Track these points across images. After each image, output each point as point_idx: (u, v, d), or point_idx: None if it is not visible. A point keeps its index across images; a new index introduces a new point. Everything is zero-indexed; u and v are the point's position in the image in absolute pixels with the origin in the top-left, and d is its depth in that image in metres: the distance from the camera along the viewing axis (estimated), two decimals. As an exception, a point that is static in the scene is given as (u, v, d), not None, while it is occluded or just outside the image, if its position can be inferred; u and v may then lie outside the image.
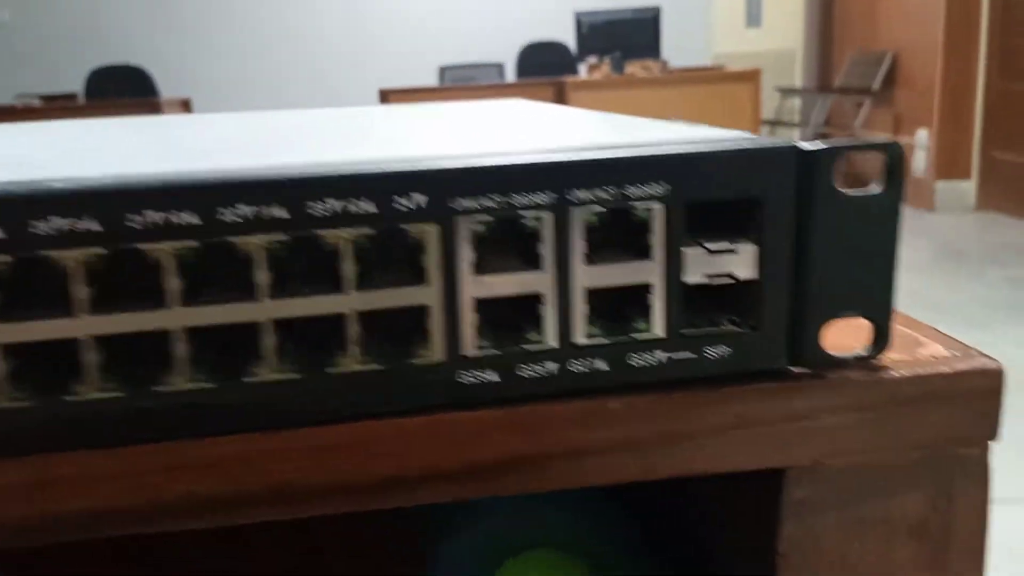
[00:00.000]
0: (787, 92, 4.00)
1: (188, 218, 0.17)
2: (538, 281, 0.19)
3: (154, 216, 0.17)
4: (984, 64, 3.01)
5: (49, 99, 3.77)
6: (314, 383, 0.18)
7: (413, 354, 0.19)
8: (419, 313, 0.19)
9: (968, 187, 3.06)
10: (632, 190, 0.19)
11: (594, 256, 0.19)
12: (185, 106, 3.89)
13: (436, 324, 0.19)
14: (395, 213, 0.18)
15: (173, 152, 0.24)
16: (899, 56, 3.34)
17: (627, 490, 0.30)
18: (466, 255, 0.18)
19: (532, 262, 0.19)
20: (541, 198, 0.19)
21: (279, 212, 0.17)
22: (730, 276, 0.20)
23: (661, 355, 0.20)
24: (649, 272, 0.19)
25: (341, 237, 0.18)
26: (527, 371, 0.19)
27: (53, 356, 0.17)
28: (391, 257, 0.19)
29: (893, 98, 3.37)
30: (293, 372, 0.18)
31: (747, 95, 3.34)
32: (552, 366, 0.19)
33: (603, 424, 0.20)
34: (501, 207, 0.18)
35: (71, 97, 3.88)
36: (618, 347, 0.20)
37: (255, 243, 0.17)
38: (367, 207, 0.18)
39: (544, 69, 4.06)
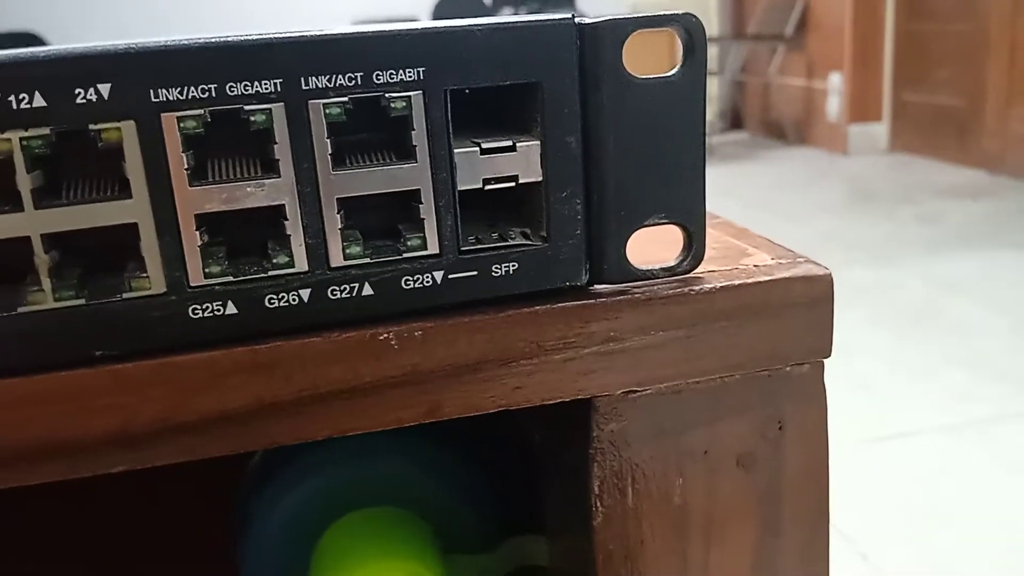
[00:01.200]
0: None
1: None
2: (276, 190, 0.16)
3: None
4: (892, 5, 3.04)
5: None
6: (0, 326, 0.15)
7: (126, 286, 0.16)
8: (128, 234, 0.15)
9: (880, 130, 3.11)
10: (381, 77, 0.16)
11: (347, 159, 0.16)
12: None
13: (149, 247, 0.15)
14: (76, 109, 0.15)
15: None
16: (810, 4, 3.36)
17: (461, 431, 0.27)
18: (178, 160, 0.15)
19: (268, 167, 0.16)
20: (267, 86, 0.15)
21: None
22: (512, 179, 0.17)
23: (438, 275, 0.17)
24: (414, 176, 0.16)
25: (9, 141, 0.14)
26: (273, 301, 0.16)
27: None
28: (90, 166, 0.15)
29: (806, 43, 3.39)
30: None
31: (663, 44, 3.33)
32: (304, 293, 0.16)
33: (371, 359, 0.17)
34: (216, 99, 0.15)
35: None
36: (385, 268, 0.17)
37: None
38: (37, 102, 0.14)
39: (460, 24, 3.98)
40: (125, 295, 0.16)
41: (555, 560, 0.23)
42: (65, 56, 0.14)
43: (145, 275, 0.16)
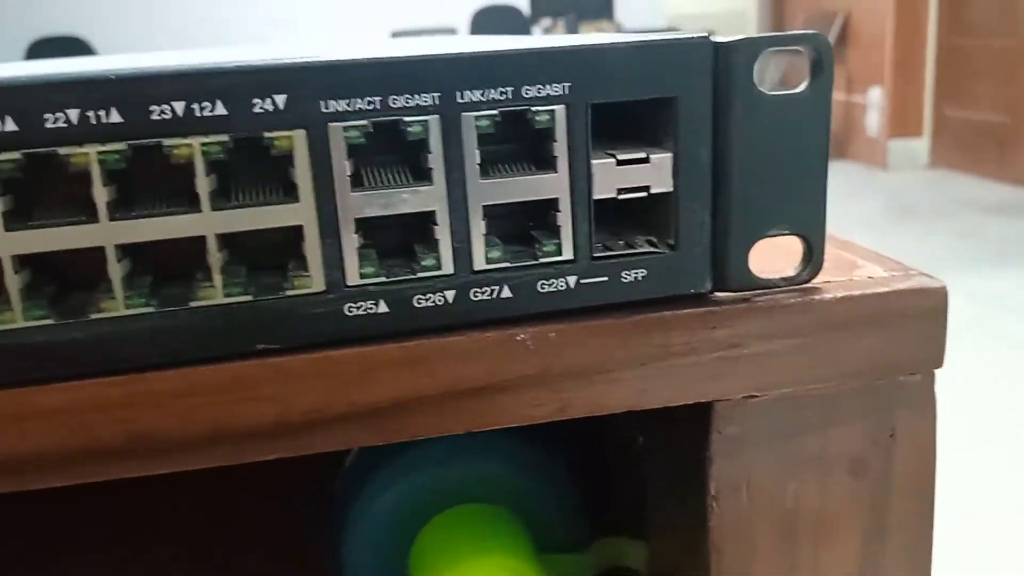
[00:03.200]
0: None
1: (5, 125, 0.15)
2: (429, 197, 0.17)
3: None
4: (935, 20, 3.02)
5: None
6: (173, 318, 0.16)
7: (289, 284, 0.17)
8: (294, 236, 0.17)
9: (920, 145, 3.08)
10: (530, 91, 0.17)
11: (491, 169, 0.17)
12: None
13: (312, 248, 0.16)
14: (257, 119, 0.16)
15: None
16: (851, 15, 3.34)
17: (556, 433, 0.28)
18: (341, 167, 0.16)
19: (421, 175, 0.17)
20: (425, 100, 0.16)
21: (114, 117, 0.15)
22: (644, 190, 0.18)
23: (571, 280, 0.18)
24: (554, 186, 0.17)
25: (191, 147, 0.15)
26: (422, 301, 0.17)
27: None
28: (258, 171, 0.16)
29: (846, 57, 3.37)
30: (147, 306, 0.16)
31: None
32: (450, 294, 0.17)
33: (510, 358, 0.18)
34: (381, 111, 0.16)
35: (9, 70, 3.75)
36: (523, 272, 0.18)
37: (87, 154, 0.15)
38: (219, 111, 0.15)
39: (498, 33, 4.01)
40: (288, 292, 0.17)
41: (657, 560, 0.24)
42: (247, 69, 0.15)
43: (307, 274, 0.17)
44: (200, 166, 0.16)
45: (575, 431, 0.29)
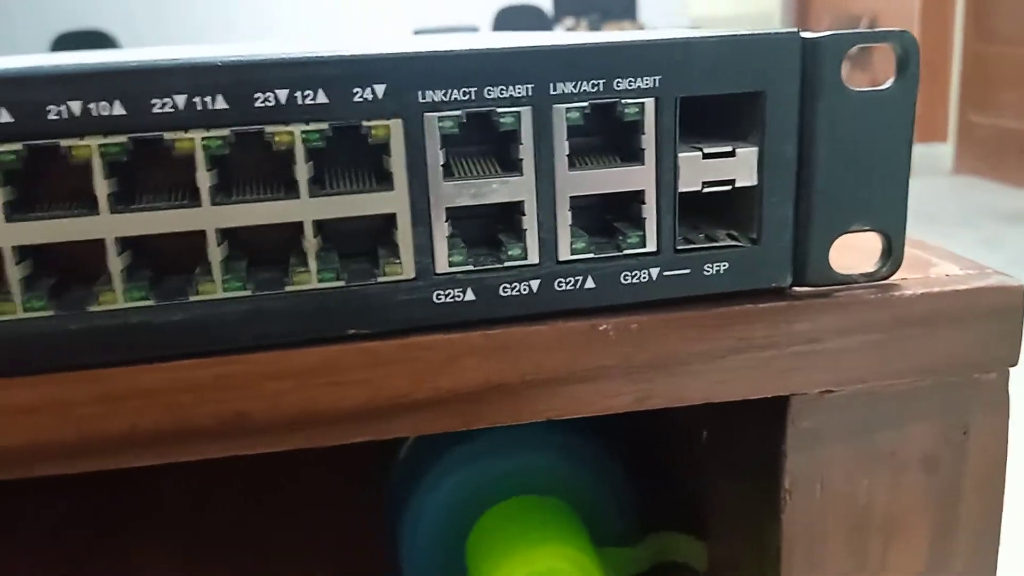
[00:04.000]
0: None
1: (113, 109, 0.15)
2: (518, 187, 0.17)
3: (74, 107, 0.15)
4: (961, 26, 2.99)
5: (12, 64, 3.67)
6: (268, 302, 0.16)
7: (380, 270, 0.17)
8: (386, 223, 0.17)
9: (945, 150, 3.06)
10: (621, 84, 0.17)
11: (577, 160, 0.17)
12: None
13: (404, 236, 0.17)
14: (356, 106, 0.16)
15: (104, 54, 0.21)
16: (876, 19, 3.32)
17: (610, 426, 0.28)
18: (435, 157, 0.16)
19: (510, 166, 0.17)
20: (519, 91, 0.16)
21: (219, 103, 0.15)
22: (729, 183, 0.18)
23: (654, 272, 0.18)
24: (641, 178, 0.17)
25: (292, 134, 0.16)
26: (507, 290, 0.17)
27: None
28: (351, 158, 0.17)
29: (871, 62, 3.35)
30: (243, 289, 0.16)
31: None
32: (534, 284, 0.17)
33: (592, 348, 0.18)
34: (474, 101, 0.16)
35: (35, 63, 3.78)
36: (607, 263, 0.18)
37: (192, 140, 0.15)
38: (320, 99, 0.16)
39: (519, 30, 4.00)
40: (379, 279, 0.17)
41: (719, 555, 0.24)
42: (349, 59, 0.16)
43: (398, 261, 0.17)
44: (300, 153, 0.16)
45: (626, 424, 0.29)
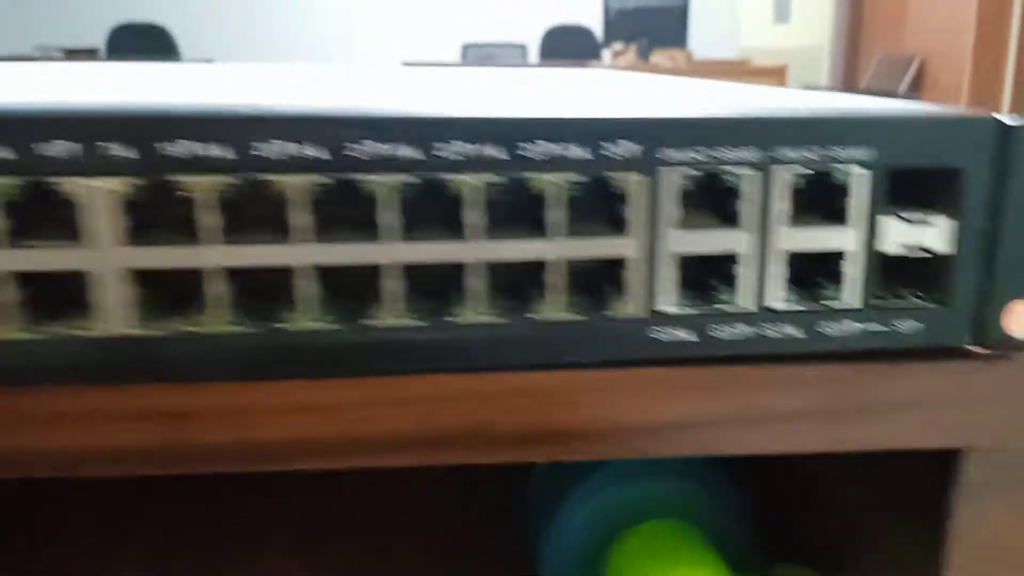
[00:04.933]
0: (812, 90, 3.96)
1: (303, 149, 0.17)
2: (739, 240, 0.19)
3: (369, 145, 0.17)
4: (1012, 66, 2.99)
5: (71, 53, 3.74)
6: (517, 327, 0.18)
7: (611, 306, 0.19)
8: (619, 265, 0.19)
9: None
10: (839, 152, 0.19)
11: (792, 218, 0.19)
12: (207, 68, 3.88)
13: (635, 277, 0.18)
14: (606, 161, 0.18)
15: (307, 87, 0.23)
16: (926, 62, 3.32)
17: (740, 463, 0.30)
18: (670, 209, 0.18)
19: (733, 220, 0.19)
20: (748, 154, 0.18)
21: (496, 152, 0.17)
22: (925, 249, 0.20)
23: (853, 325, 0.20)
24: (847, 238, 0.19)
25: (552, 182, 0.18)
26: (721, 332, 0.19)
27: (267, 284, 0.17)
28: (595, 206, 0.18)
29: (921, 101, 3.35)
30: (498, 315, 0.18)
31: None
32: (746, 329, 0.19)
33: (797, 391, 0.19)
34: (708, 161, 0.18)
35: (92, 52, 3.86)
36: (812, 314, 0.19)
37: (467, 183, 0.17)
38: (580, 153, 0.18)
39: (567, 53, 4.04)
40: (607, 313, 0.19)
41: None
42: (605, 120, 0.18)
43: (626, 299, 0.19)
44: (555, 199, 0.18)
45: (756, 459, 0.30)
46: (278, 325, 0.17)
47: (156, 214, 0.17)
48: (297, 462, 0.18)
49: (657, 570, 0.27)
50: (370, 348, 0.18)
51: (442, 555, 0.34)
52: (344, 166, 0.17)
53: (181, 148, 0.16)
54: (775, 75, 3.26)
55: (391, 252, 0.17)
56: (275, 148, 0.16)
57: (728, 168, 0.18)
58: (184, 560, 0.34)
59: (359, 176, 0.17)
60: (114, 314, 0.17)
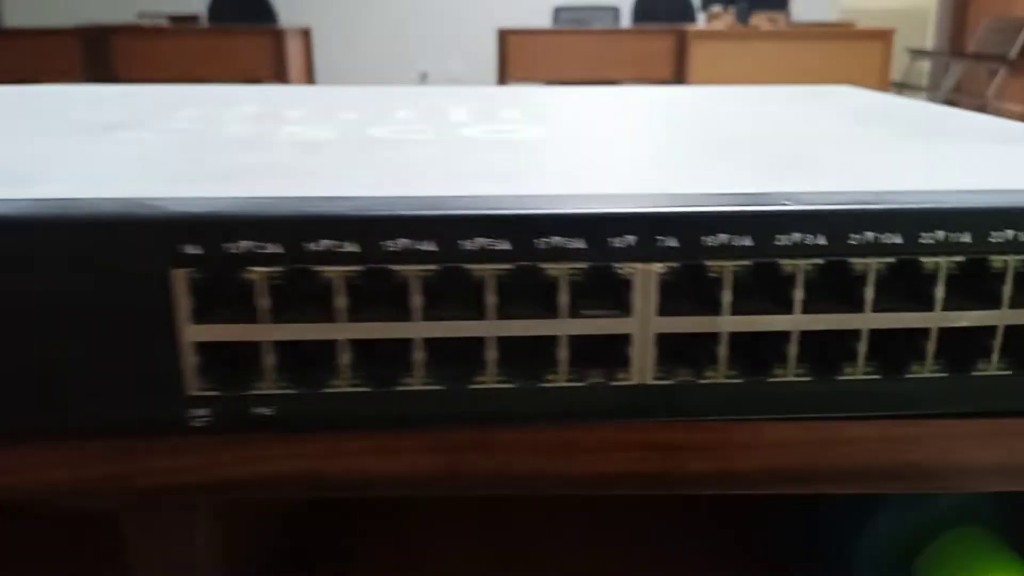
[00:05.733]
0: (917, 54, 3.83)
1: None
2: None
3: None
4: None
5: (175, 19, 3.85)
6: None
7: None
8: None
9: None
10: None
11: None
12: (305, 35, 3.95)
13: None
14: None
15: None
16: (1041, 23, 3.18)
17: None
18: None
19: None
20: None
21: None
22: None
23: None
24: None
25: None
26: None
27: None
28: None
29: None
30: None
31: (877, 54, 3.23)
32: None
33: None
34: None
35: (193, 19, 3.96)
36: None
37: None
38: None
39: (661, 16, 3.98)
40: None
41: None
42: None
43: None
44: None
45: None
46: (764, 378, 0.20)
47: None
48: (766, 487, 0.22)
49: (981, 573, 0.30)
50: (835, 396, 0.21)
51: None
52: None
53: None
54: (881, 38, 3.17)
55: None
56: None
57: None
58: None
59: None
60: (647, 367, 0.20)
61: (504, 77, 3.48)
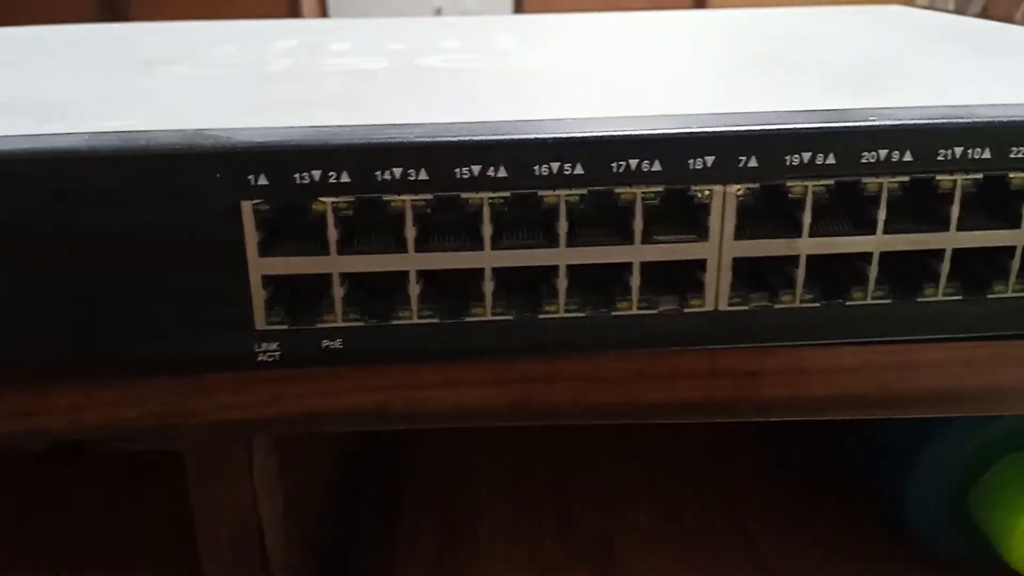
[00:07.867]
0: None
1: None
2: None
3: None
4: None
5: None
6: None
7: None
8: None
9: None
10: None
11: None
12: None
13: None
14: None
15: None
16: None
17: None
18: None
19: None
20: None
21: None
22: None
23: None
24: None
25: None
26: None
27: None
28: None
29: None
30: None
31: None
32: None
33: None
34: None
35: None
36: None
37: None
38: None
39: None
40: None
41: None
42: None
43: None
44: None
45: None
46: (842, 301, 0.20)
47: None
48: (841, 412, 0.21)
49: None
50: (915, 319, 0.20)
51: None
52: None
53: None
54: (907, -39, 3.07)
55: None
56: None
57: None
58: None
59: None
60: (721, 293, 0.20)
61: (520, 11, 3.40)
